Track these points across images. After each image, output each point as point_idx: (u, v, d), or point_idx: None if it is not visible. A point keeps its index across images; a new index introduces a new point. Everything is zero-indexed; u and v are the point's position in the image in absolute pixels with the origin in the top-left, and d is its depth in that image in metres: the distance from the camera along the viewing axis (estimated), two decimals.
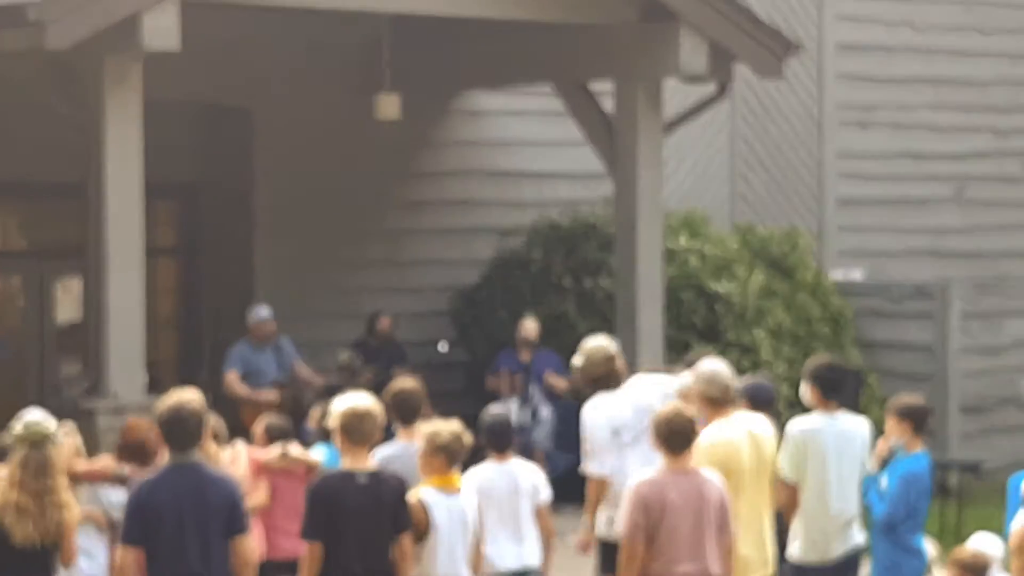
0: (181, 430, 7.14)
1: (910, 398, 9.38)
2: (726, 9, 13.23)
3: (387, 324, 14.43)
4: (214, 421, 9.04)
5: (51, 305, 14.56)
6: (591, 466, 8.65)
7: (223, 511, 7.17)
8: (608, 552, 8.67)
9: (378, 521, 7.48)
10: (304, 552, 7.53)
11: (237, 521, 7.22)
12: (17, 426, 7.88)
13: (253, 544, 7.37)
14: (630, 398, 8.85)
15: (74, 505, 7.80)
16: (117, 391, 11.49)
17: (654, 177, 13.75)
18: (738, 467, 8.30)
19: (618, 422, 8.70)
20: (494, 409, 8.91)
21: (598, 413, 8.76)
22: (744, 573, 8.17)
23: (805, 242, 15.93)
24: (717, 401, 8.35)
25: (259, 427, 9.84)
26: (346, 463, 7.59)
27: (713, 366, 8.49)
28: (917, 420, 9.14)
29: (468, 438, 7.85)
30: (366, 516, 7.45)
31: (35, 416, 7.94)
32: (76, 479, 8.69)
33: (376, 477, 7.55)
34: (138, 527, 7.13)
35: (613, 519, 8.53)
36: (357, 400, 7.62)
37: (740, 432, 8.40)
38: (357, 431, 7.50)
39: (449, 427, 7.82)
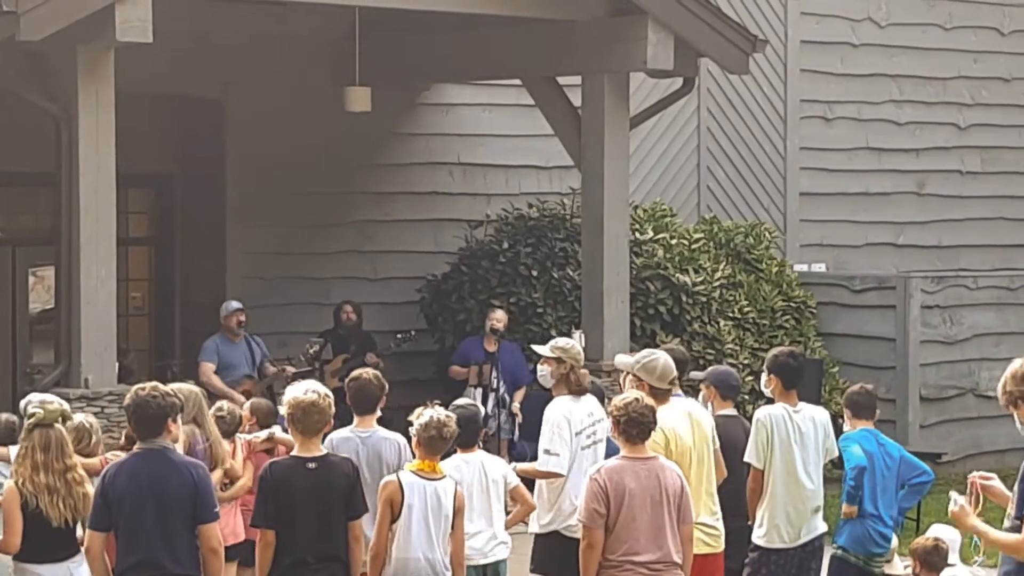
0: (144, 417, 7.18)
1: (856, 387, 9.58)
2: (693, 5, 13.38)
3: (350, 313, 14.53)
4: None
5: (24, 293, 14.61)
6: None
7: (187, 498, 7.12)
8: (543, 547, 8.83)
9: (329, 506, 7.49)
10: (257, 540, 7.55)
11: (202, 509, 7.16)
12: (33, 408, 7.99)
13: (220, 533, 7.34)
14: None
15: (88, 478, 7.95)
16: (89, 379, 11.58)
17: (621, 169, 13.90)
18: (683, 448, 8.37)
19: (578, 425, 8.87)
20: (462, 401, 8.95)
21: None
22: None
23: (769, 235, 16.14)
24: (658, 391, 8.38)
25: (246, 410, 9.96)
26: (297, 450, 7.64)
27: (653, 356, 8.51)
28: (854, 407, 9.32)
29: (452, 430, 7.88)
30: (317, 501, 7.46)
31: (47, 396, 8.07)
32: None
33: (325, 461, 7.55)
34: (103, 512, 7.15)
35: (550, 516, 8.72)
36: (304, 391, 7.64)
37: (680, 415, 8.49)
38: (301, 422, 7.56)
39: (436, 418, 7.85)
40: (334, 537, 7.52)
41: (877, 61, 17.93)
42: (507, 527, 8.70)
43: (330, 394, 7.75)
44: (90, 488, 7.75)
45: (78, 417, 9.09)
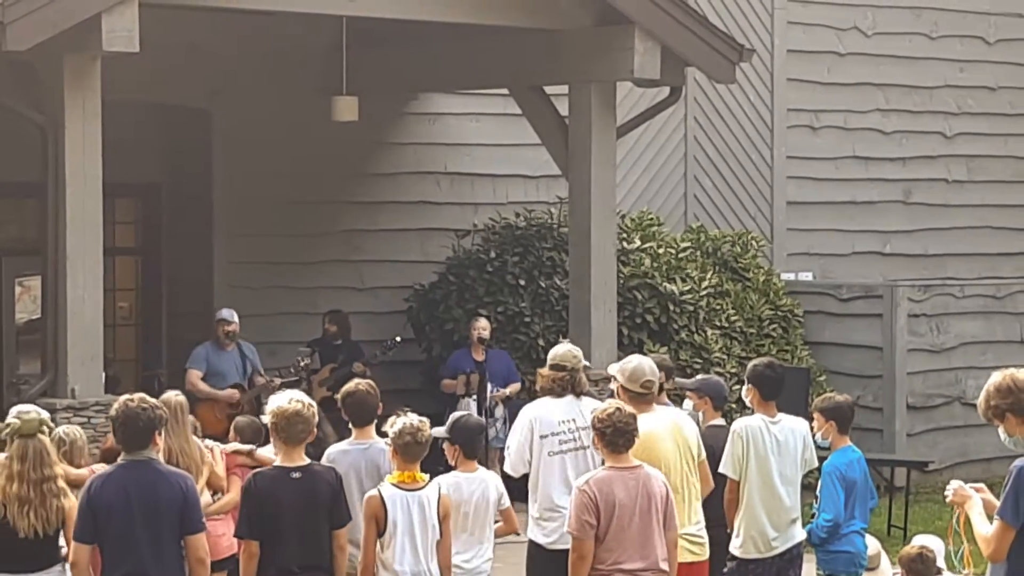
0: (134, 429, 7.16)
1: (835, 397, 9.52)
2: (680, 14, 13.40)
3: (328, 324, 14.48)
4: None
5: (10, 303, 14.59)
6: None
7: (174, 508, 7.12)
8: (537, 556, 8.79)
9: (313, 516, 7.49)
10: (240, 550, 7.57)
11: (190, 519, 7.16)
12: (11, 419, 7.91)
13: (206, 543, 7.30)
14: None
15: (70, 493, 7.76)
16: (76, 389, 11.56)
17: (608, 178, 13.91)
18: (663, 457, 8.36)
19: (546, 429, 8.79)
20: (464, 413, 8.89)
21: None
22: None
23: (756, 243, 16.16)
24: (639, 396, 8.38)
25: (232, 428, 9.81)
26: (280, 460, 7.63)
27: (636, 362, 8.50)
28: (840, 419, 9.26)
29: (426, 434, 7.86)
30: (300, 511, 7.46)
31: (26, 407, 8.00)
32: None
33: (309, 471, 7.56)
34: (89, 524, 7.12)
35: (542, 524, 8.69)
36: (288, 401, 7.62)
37: (664, 424, 8.47)
38: (285, 432, 7.56)
39: (409, 424, 7.83)
40: (318, 546, 7.53)
41: (863, 70, 17.96)
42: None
43: (314, 404, 7.74)
44: (69, 501, 7.62)
45: (60, 429, 9.02)
